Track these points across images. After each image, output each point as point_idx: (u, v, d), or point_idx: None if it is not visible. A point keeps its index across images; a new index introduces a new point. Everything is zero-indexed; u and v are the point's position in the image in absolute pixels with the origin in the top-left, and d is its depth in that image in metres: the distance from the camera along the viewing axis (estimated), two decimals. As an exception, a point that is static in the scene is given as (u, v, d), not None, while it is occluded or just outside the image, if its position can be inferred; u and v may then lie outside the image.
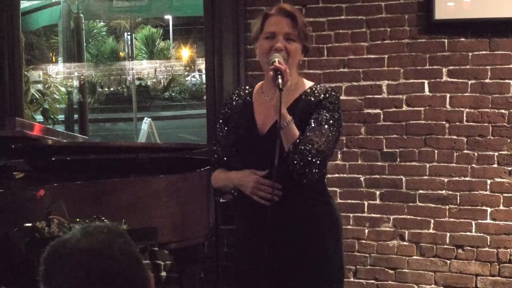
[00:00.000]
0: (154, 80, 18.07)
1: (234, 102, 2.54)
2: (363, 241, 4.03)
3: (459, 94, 3.82)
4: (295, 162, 2.30)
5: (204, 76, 8.36)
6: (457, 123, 3.84)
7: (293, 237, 2.42)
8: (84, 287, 1.26)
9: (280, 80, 2.24)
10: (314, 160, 2.29)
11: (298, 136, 2.31)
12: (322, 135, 2.33)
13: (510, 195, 3.79)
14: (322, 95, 2.41)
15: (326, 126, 2.35)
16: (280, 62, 2.30)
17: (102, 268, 1.28)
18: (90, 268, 1.27)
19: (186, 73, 18.70)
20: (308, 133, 2.33)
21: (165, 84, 17.94)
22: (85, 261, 1.28)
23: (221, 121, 2.56)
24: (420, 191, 3.92)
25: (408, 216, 3.95)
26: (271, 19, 2.40)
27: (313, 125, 2.35)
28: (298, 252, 2.42)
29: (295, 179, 2.34)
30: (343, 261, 2.58)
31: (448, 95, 3.84)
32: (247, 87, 2.59)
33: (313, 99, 2.41)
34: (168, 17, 20.68)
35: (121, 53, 20.05)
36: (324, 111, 2.38)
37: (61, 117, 10.01)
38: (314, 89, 2.45)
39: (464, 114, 3.82)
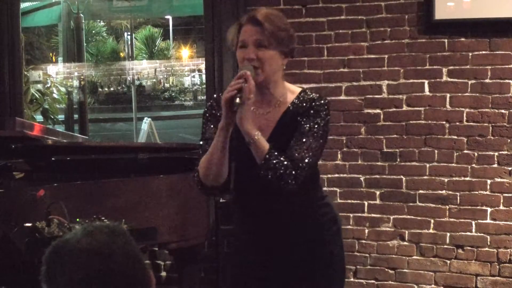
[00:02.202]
0: (154, 80, 18.07)
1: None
2: (363, 241, 4.02)
3: (459, 94, 3.82)
4: (269, 176, 2.24)
5: (204, 76, 8.34)
6: (457, 123, 3.84)
7: (291, 241, 2.41)
8: (84, 286, 1.26)
9: (237, 100, 2.16)
10: (287, 172, 2.23)
11: (268, 150, 2.24)
12: (303, 144, 2.28)
13: (510, 195, 3.79)
14: (308, 105, 2.34)
15: (308, 135, 2.30)
16: (238, 78, 2.20)
17: (102, 268, 1.28)
18: (90, 268, 1.27)
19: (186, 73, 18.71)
20: (291, 144, 2.29)
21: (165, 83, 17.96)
22: (85, 261, 1.28)
23: (210, 122, 2.43)
24: (420, 191, 3.92)
25: (408, 216, 3.95)
26: (243, 28, 2.32)
27: (295, 137, 2.30)
28: (297, 255, 2.41)
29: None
30: (344, 261, 2.57)
31: (448, 95, 3.84)
32: None
33: (300, 110, 2.35)
34: (168, 17, 20.68)
35: (121, 53, 20.04)
36: (308, 120, 2.32)
37: (61, 117, 10.00)
38: (301, 98, 2.37)
39: (464, 114, 3.82)
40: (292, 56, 2.39)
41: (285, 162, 2.24)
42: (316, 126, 2.31)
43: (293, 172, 2.24)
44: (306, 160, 2.27)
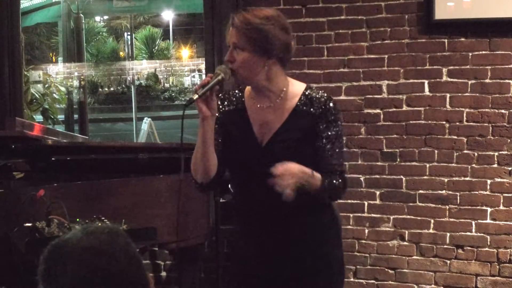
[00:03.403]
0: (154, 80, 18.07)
1: (226, 108, 2.44)
2: (363, 241, 4.02)
3: (459, 94, 3.82)
4: (329, 201, 2.45)
5: (204, 76, 8.33)
6: (457, 123, 3.84)
7: (291, 240, 2.41)
8: (86, 285, 1.26)
9: (195, 96, 2.21)
10: (338, 185, 2.36)
11: (322, 181, 2.31)
12: (335, 149, 2.37)
13: (510, 195, 3.79)
14: (322, 107, 2.35)
15: (337, 142, 2.37)
16: (208, 76, 2.27)
17: (105, 267, 1.28)
18: (93, 266, 1.27)
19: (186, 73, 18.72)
20: (326, 158, 2.35)
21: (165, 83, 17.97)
22: (88, 260, 1.28)
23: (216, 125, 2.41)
24: (420, 191, 3.92)
25: (408, 216, 3.95)
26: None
27: (327, 146, 2.35)
28: (296, 254, 2.42)
29: None
30: (343, 262, 2.58)
31: (448, 95, 3.84)
32: (236, 91, 2.48)
33: (312, 110, 2.35)
34: (168, 17, 20.70)
35: (121, 53, 20.05)
36: (331, 126, 2.36)
37: (61, 117, 10.00)
38: (309, 96, 2.37)
39: (464, 114, 3.82)
40: (280, 56, 2.34)
41: (334, 180, 2.34)
42: (337, 129, 2.38)
43: (341, 181, 2.37)
44: (344, 163, 2.42)
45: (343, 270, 2.59)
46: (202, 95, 2.22)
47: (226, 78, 2.28)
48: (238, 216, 2.54)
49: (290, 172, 2.21)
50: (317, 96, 2.37)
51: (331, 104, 2.37)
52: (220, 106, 2.43)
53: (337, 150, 2.36)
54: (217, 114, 2.37)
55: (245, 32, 2.28)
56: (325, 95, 2.39)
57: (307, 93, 2.38)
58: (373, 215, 4.00)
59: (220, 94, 2.48)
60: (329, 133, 2.35)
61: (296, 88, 2.40)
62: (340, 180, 2.36)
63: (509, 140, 3.78)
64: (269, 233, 2.40)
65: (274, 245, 2.40)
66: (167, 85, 18.28)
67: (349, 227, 3.99)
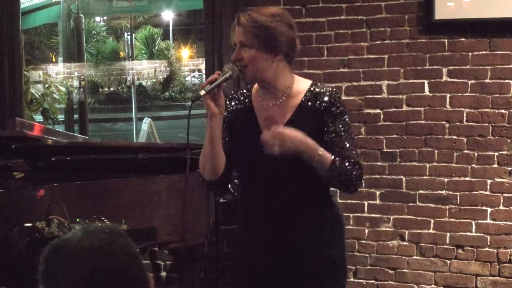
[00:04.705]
0: (154, 80, 18.07)
1: (234, 107, 2.48)
2: (363, 241, 4.03)
3: (459, 94, 3.83)
4: (342, 188, 2.42)
5: (204, 76, 8.35)
6: (457, 123, 3.84)
7: (295, 239, 2.42)
8: (87, 285, 1.26)
9: (202, 92, 2.24)
10: (356, 174, 2.33)
11: (333, 160, 2.28)
12: (346, 142, 2.35)
13: (510, 195, 3.80)
14: (327, 99, 2.38)
15: (346, 134, 2.36)
16: (216, 73, 2.30)
17: (105, 266, 1.28)
18: (93, 266, 1.27)
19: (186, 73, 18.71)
20: (337, 152, 2.33)
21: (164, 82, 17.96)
22: (88, 259, 1.28)
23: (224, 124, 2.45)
24: (420, 191, 3.92)
25: (408, 216, 3.95)
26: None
27: (336, 139, 2.35)
28: (300, 254, 2.42)
29: (297, 183, 2.35)
30: (345, 262, 2.58)
31: (448, 95, 3.85)
32: (244, 91, 2.52)
33: (317, 104, 2.38)
34: (168, 17, 20.69)
35: (121, 53, 20.03)
36: (337, 120, 2.37)
37: (61, 117, 9.99)
38: (314, 91, 2.41)
39: (464, 114, 3.83)
40: (287, 53, 2.38)
41: (349, 167, 2.30)
42: (346, 123, 2.39)
43: (358, 167, 2.33)
44: (357, 154, 2.40)
45: (346, 270, 2.60)
46: (210, 91, 2.25)
47: (234, 76, 2.31)
48: (242, 213, 2.55)
49: (285, 135, 2.24)
50: (322, 91, 2.40)
51: (336, 98, 2.39)
52: (228, 105, 2.46)
53: (346, 143, 2.35)
54: (225, 113, 2.40)
55: (252, 30, 2.31)
56: (330, 89, 2.42)
57: (312, 89, 2.42)
58: (373, 215, 4.00)
59: (230, 94, 2.52)
60: (336, 127, 2.36)
61: (302, 84, 2.44)
62: (357, 167, 2.33)
63: (509, 140, 3.78)
64: (273, 231, 2.41)
65: (278, 244, 2.41)
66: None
67: (349, 227, 3.99)
